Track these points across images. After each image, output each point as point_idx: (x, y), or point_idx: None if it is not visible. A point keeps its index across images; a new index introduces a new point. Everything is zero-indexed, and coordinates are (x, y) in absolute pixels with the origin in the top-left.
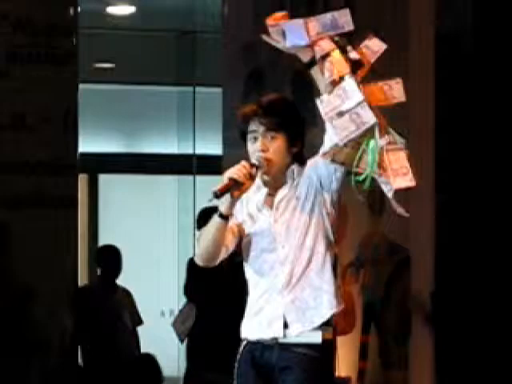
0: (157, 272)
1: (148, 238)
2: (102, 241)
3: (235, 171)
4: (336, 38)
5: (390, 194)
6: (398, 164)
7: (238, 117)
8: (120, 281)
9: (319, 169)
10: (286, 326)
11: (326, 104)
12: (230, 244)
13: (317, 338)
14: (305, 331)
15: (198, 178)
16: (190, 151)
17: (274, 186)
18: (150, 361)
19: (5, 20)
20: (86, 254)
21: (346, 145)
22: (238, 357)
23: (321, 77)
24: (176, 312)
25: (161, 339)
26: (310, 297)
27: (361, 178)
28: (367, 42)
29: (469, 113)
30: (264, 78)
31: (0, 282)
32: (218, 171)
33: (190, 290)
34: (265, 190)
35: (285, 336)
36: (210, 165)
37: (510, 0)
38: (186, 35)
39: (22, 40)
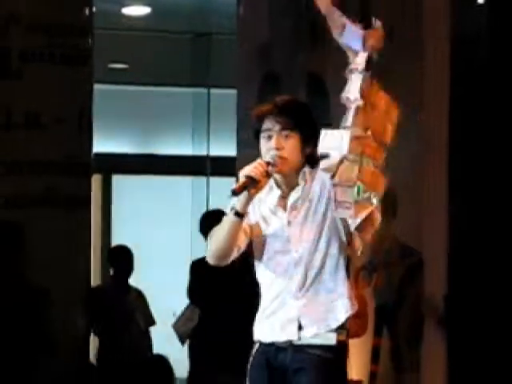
0: (170, 273)
1: (161, 238)
2: (115, 241)
3: (252, 169)
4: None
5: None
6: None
7: (252, 116)
8: (133, 281)
9: None
10: (300, 328)
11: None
12: (242, 244)
13: (331, 339)
14: (319, 333)
15: (212, 179)
16: (204, 152)
17: (286, 186)
18: (162, 362)
19: (20, 20)
20: (99, 254)
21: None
22: (251, 359)
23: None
24: None
25: (173, 340)
26: (325, 299)
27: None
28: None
29: (483, 123)
30: (279, 80)
31: (13, 282)
32: (232, 172)
33: (193, 292)
34: (277, 192)
35: (299, 339)
36: (223, 166)
37: None
38: (201, 36)
39: (36, 40)
